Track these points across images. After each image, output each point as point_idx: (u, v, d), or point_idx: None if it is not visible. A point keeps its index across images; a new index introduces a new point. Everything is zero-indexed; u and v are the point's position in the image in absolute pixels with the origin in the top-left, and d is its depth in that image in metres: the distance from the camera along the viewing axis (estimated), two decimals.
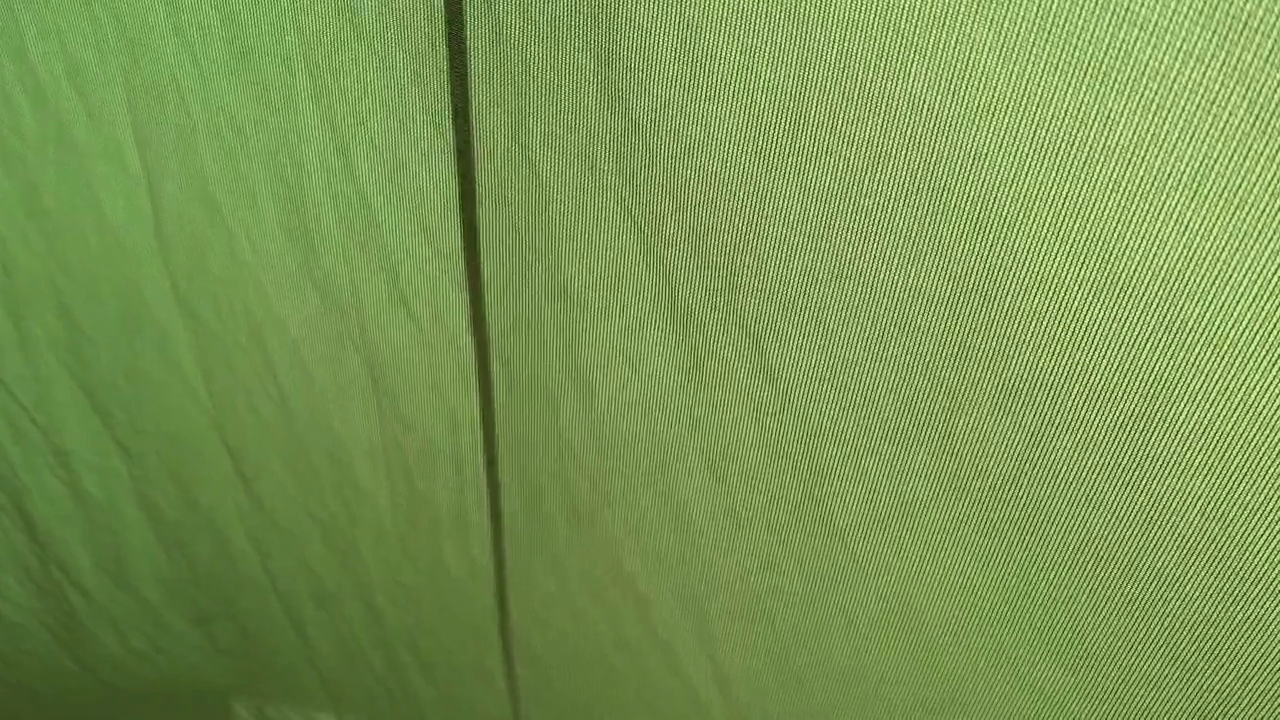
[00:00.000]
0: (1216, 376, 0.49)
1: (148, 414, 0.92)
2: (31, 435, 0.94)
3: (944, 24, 0.47)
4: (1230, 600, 0.54)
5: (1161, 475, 0.53)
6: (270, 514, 0.97)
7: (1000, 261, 0.53)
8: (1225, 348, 0.48)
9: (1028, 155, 0.49)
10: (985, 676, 0.69)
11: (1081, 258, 0.50)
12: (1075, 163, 0.48)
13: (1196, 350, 0.49)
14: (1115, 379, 0.52)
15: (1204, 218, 0.45)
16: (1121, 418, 0.53)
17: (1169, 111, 0.44)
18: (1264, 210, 0.44)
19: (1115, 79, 0.44)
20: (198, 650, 1.14)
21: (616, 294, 0.69)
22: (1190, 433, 0.51)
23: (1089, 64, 0.45)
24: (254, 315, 0.81)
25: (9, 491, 0.99)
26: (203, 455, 0.94)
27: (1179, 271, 0.47)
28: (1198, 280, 0.47)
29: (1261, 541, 0.52)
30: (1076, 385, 0.54)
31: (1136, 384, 0.52)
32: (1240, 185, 0.43)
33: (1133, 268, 0.49)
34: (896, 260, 0.57)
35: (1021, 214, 0.50)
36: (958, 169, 0.51)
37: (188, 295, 0.82)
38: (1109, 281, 0.50)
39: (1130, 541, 0.57)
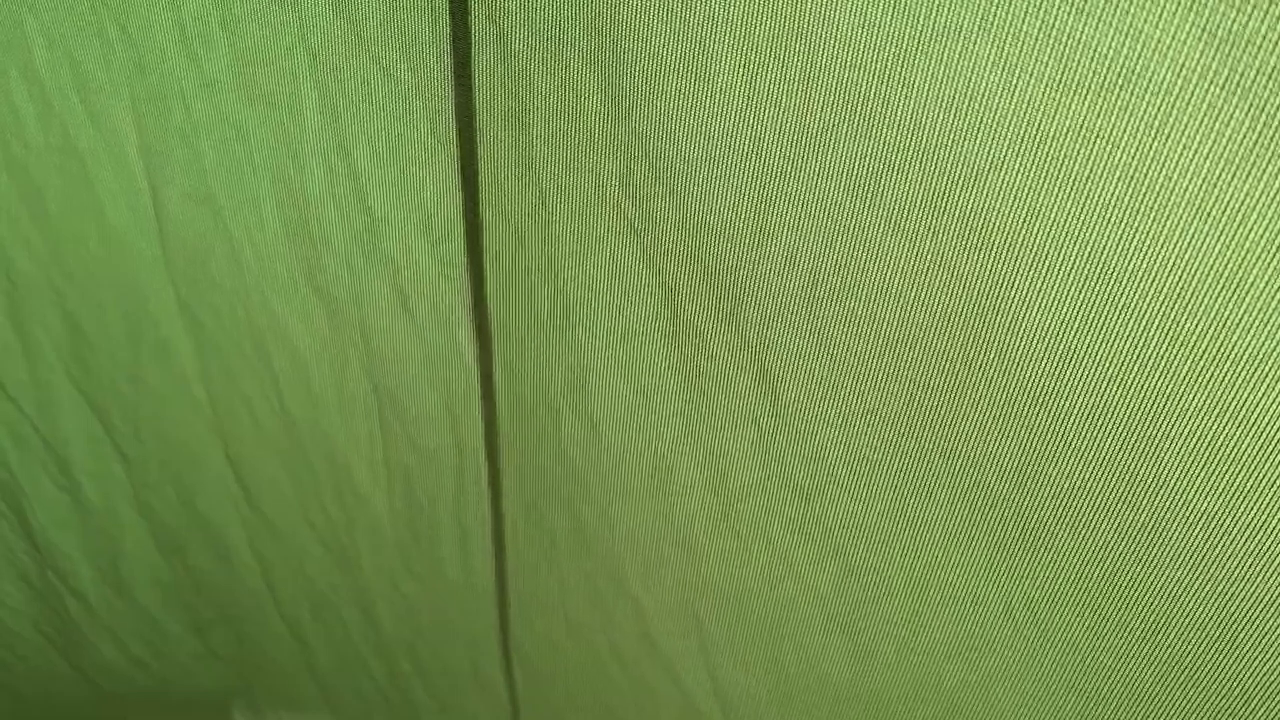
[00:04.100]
0: (1218, 393, 0.49)
1: (149, 420, 0.92)
2: (32, 441, 0.94)
3: (946, 40, 0.47)
4: (1232, 616, 0.54)
5: (1163, 491, 0.53)
6: (270, 521, 0.97)
7: (1001, 277, 0.53)
8: (1227, 364, 0.48)
9: (1029, 171, 0.49)
10: (987, 692, 0.69)
11: (1083, 274, 0.50)
12: (1077, 179, 0.48)
13: (1198, 367, 0.49)
14: (1117, 395, 0.52)
15: (1206, 234, 0.45)
16: (1123, 434, 0.53)
17: (1171, 128, 0.44)
18: (1266, 227, 0.44)
19: (1117, 95, 0.44)
20: (196, 657, 1.14)
21: (617, 305, 0.69)
22: (1192, 449, 0.51)
23: (1091, 80, 0.45)
24: (256, 321, 0.81)
25: (8, 497, 0.99)
26: (203, 462, 0.94)
27: (1181, 288, 0.47)
28: (1200, 297, 0.47)
29: (1264, 558, 0.52)
30: (1078, 401, 0.54)
31: (1138, 400, 0.52)
32: (1243, 202, 0.43)
33: (1135, 284, 0.49)
34: (898, 275, 0.57)
35: (1023, 230, 0.50)
36: (959, 184, 0.51)
37: (190, 302, 0.82)
38: (1111, 298, 0.50)
39: (1132, 557, 0.57)
